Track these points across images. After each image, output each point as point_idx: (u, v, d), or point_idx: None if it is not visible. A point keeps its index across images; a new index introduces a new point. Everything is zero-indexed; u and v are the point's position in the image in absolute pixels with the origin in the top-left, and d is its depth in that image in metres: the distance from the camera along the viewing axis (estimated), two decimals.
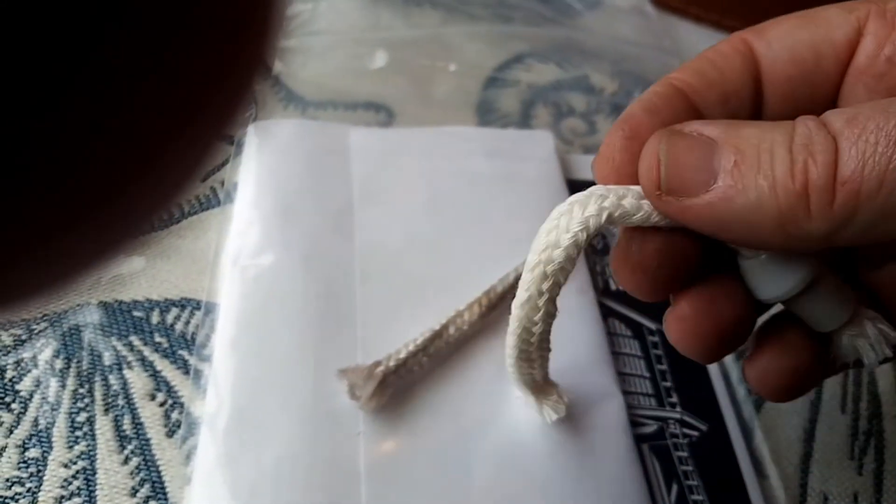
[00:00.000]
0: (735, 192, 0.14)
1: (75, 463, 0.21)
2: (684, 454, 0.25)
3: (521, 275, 0.25)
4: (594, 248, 0.29)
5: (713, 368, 0.27)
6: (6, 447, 0.21)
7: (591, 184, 0.32)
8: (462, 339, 0.24)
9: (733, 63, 0.17)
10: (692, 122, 0.15)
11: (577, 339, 0.26)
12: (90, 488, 0.21)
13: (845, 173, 0.13)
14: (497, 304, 0.25)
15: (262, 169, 0.28)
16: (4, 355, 0.23)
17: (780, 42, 0.17)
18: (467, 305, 0.25)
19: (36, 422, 0.22)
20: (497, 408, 0.24)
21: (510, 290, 0.25)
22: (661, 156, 0.15)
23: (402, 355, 0.23)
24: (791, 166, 0.14)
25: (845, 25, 0.16)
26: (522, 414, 0.24)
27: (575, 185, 0.31)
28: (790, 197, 0.14)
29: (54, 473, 0.21)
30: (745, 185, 0.14)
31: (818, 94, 0.17)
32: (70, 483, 0.21)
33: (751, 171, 0.14)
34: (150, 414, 0.22)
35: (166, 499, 0.21)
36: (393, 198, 0.28)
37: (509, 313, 0.18)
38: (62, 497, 0.21)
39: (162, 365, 0.23)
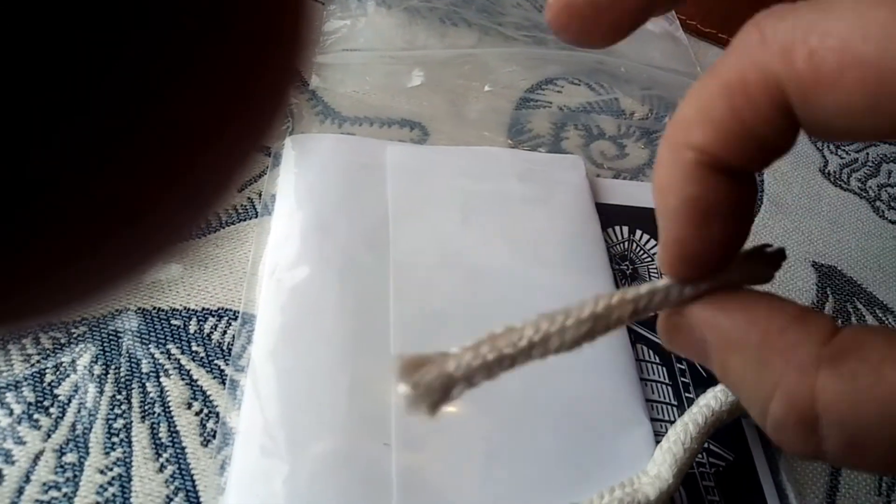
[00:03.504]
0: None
1: (111, 469, 0.21)
2: (710, 484, 0.25)
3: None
4: (623, 273, 0.30)
5: None
6: (44, 451, 0.22)
7: (620, 208, 0.32)
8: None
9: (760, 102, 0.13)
10: (691, 311, 0.16)
11: (606, 364, 0.26)
12: (125, 495, 0.21)
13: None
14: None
15: (299, 182, 0.28)
16: (44, 359, 0.23)
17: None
18: (563, 325, 0.18)
19: (73, 427, 0.22)
20: (527, 428, 0.24)
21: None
22: (665, 333, 0.17)
23: (481, 361, 0.16)
24: (764, 421, 0.14)
25: None
26: (551, 437, 0.24)
27: (604, 210, 0.31)
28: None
29: (90, 479, 0.21)
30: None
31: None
32: (106, 489, 0.21)
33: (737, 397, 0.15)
34: (186, 423, 0.23)
35: None
36: (427, 216, 0.28)
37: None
38: (97, 503, 0.21)
39: (199, 374, 0.23)
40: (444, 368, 0.15)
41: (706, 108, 0.14)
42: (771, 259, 0.17)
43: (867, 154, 0.38)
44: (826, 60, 0.12)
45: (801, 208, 0.35)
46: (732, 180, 0.14)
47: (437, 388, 0.15)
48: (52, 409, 0.22)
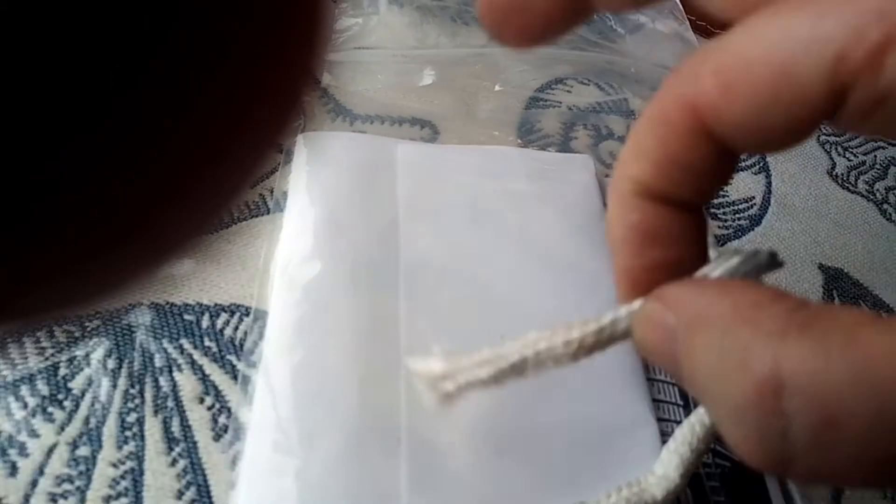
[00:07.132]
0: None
1: (124, 463, 0.22)
2: (716, 484, 0.25)
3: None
4: None
5: None
6: (57, 444, 0.22)
7: None
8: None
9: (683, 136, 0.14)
10: (661, 293, 0.14)
11: (613, 364, 0.26)
12: (137, 489, 0.21)
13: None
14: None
15: (311, 179, 0.28)
16: (58, 352, 0.23)
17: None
18: (561, 345, 0.21)
19: (87, 420, 0.22)
20: (535, 427, 0.24)
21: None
22: (637, 330, 0.15)
23: (480, 376, 0.20)
24: (725, 417, 0.12)
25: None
26: (558, 436, 0.24)
27: None
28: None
29: (103, 472, 0.21)
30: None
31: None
32: (118, 483, 0.21)
33: (700, 393, 0.13)
34: (198, 417, 0.23)
35: (211, 503, 0.21)
36: (437, 215, 0.28)
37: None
38: (109, 496, 0.21)
39: (211, 369, 0.24)
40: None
41: (638, 142, 0.15)
42: (760, 267, 0.17)
43: (875, 157, 0.39)
44: (727, 71, 0.13)
45: (809, 210, 0.35)
46: (672, 209, 0.15)
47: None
48: (65, 403, 0.22)
